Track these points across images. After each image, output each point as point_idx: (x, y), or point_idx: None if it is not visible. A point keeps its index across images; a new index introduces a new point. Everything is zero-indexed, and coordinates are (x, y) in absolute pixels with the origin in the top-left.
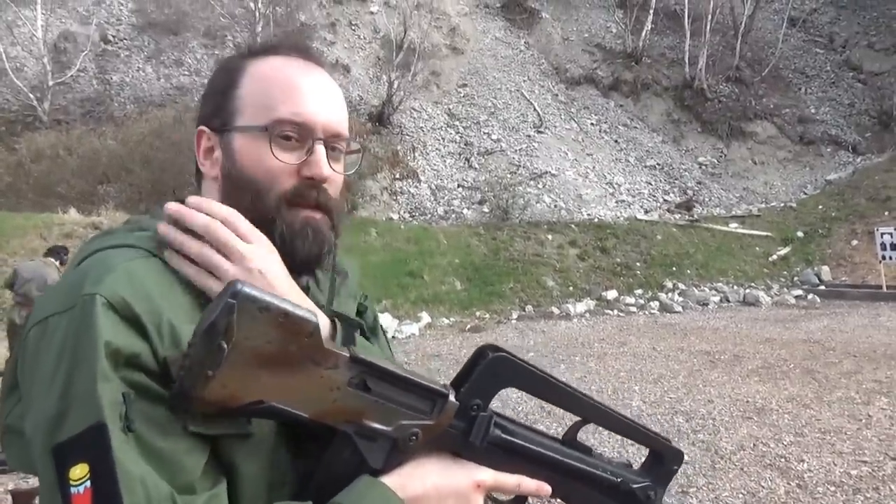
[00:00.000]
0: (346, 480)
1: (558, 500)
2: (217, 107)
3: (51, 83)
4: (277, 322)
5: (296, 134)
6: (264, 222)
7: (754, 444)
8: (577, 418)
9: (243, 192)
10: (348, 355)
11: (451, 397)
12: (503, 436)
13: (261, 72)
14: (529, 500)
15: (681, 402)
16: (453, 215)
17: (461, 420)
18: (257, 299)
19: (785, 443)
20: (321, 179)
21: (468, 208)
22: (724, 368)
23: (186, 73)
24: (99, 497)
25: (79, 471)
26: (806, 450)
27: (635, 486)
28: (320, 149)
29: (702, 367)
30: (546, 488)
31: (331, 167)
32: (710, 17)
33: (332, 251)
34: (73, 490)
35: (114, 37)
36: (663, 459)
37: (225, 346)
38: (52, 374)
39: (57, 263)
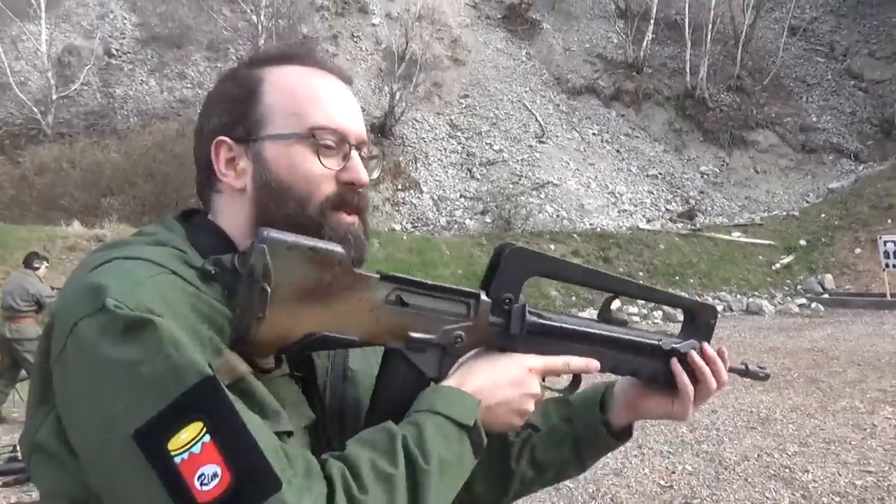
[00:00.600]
0: (407, 395)
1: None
2: (239, 116)
3: (54, 97)
4: (308, 256)
5: (334, 141)
6: (310, 229)
7: (758, 455)
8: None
9: (285, 201)
10: (378, 276)
11: (483, 296)
12: (540, 321)
13: (284, 81)
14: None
15: None
16: (456, 226)
17: (498, 316)
18: (284, 240)
19: (789, 453)
20: (362, 184)
21: (470, 219)
22: (727, 378)
23: (189, 86)
24: (227, 442)
25: (185, 434)
26: (810, 460)
27: (677, 344)
28: (356, 154)
29: None
30: (594, 363)
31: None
32: (710, 26)
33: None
34: (176, 459)
35: (117, 50)
36: (696, 316)
37: (268, 287)
38: (106, 370)
39: (32, 271)
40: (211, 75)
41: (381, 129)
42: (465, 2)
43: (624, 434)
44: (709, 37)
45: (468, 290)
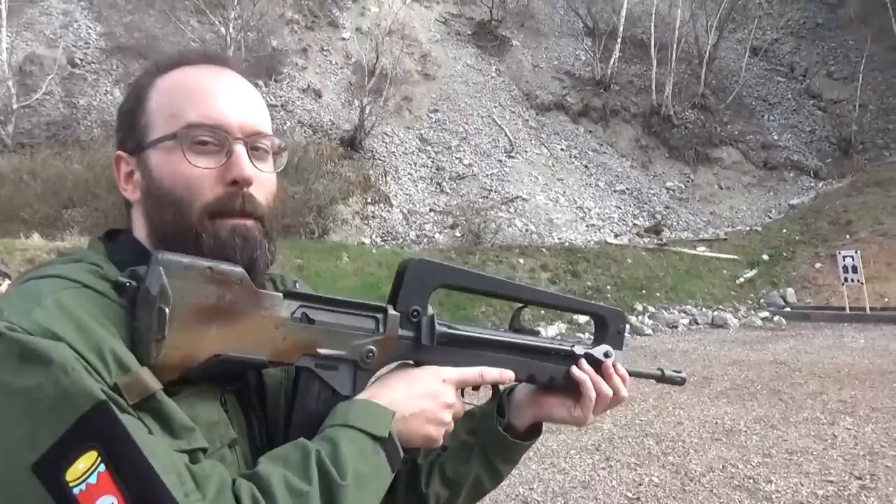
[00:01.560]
0: (323, 413)
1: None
2: (129, 127)
3: (15, 106)
4: (206, 276)
5: (211, 137)
6: (189, 238)
7: (723, 466)
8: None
9: (164, 208)
10: (281, 294)
11: (391, 310)
12: (450, 331)
13: (168, 83)
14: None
15: (651, 424)
16: (425, 239)
17: (407, 329)
18: (180, 261)
19: (753, 464)
20: (245, 181)
21: (440, 233)
22: (693, 390)
23: None
24: (122, 470)
25: (82, 465)
26: (774, 470)
27: (590, 349)
28: (239, 148)
29: (672, 390)
30: (508, 374)
31: (255, 167)
32: (675, 46)
33: (268, 260)
34: (75, 490)
35: (81, 60)
36: (607, 322)
37: (165, 308)
38: (3, 397)
39: None
40: None
41: (351, 143)
42: (435, 17)
43: (531, 433)
44: (674, 56)
45: (375, 304)
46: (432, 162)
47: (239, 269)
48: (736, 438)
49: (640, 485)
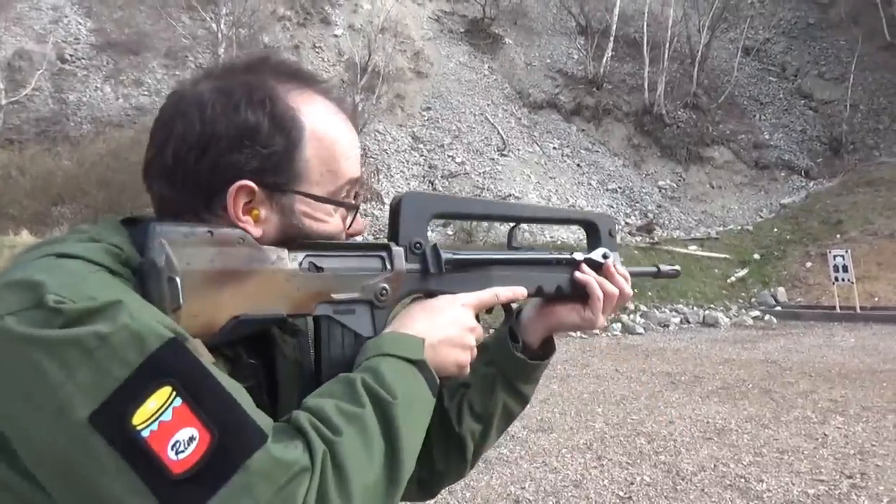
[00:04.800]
0: (349, 359)
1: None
2: (275, 167)
3: (4, 102)
4: (208, 240)
5: (353, 199)
6: None
7: (714, 465)
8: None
9: None
10: (285, 247)
11: (394, 246)
12: (455, 256)
13: (320, 130)
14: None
15: (643, 423)
16: None
17: (413, 261)
18: (179, 229)
19: (744, 463)
20: (360, 234)
21: (432, 231)
22: (684, 389)
23: (146, 93)
24: (201, 402)
25: (153, 403)
26: (765, 470)
27: (589, 255)
28: (360, 205)
29: (663, 389)
30: (520, 290)
31: None
32: (668, 45)
33: None
34: (144, 433)
35: (71, 56)
36: (598, 227)
37: (176, 277)
38: (48, 353)
39: None
40: (168, 83)
41: None
42: (427, 15)
43: (546, 350)
44: (666, 55)
45: (378, 243)
46: (425, 160)
47: (238, 230)
48: (727, 437)
49: (632, 484)
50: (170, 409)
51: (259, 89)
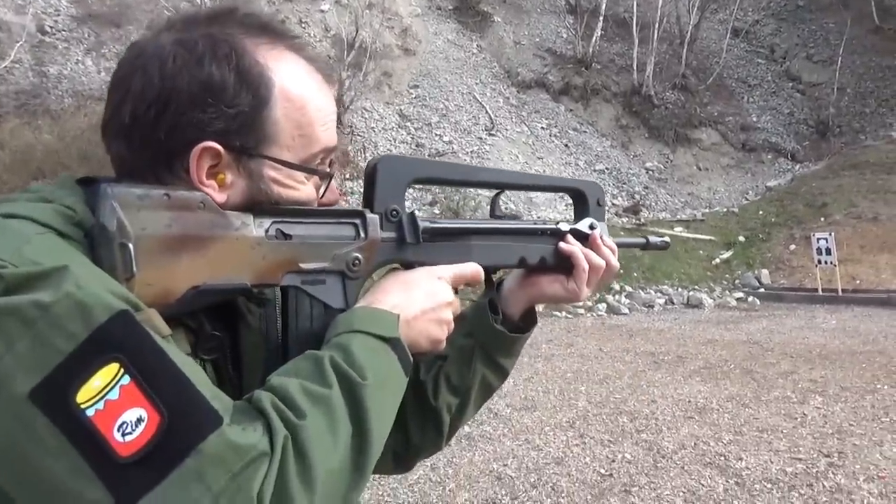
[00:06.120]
0: (318, 333)
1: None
2: (241, 127)
3: None
4: (165, 203)
5: (327, 166)
6: None
7: (695, 443)
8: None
9: None
10: (251, 213)
11: (369, 213)
12: (433, 225)
13: (293, 89)
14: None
15: (625, 402)
16: None
17: (389, 230)
18: (132, 191)
19: (724, 441)
20: (334, 204)
21: (419, 209)
22: (667, 369)
23: None
24: (151, 380)
25: (98, 381)
26: (744, 448)
27: (575, 225)
28: (334, 173)
29: (646, 368)
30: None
31: None
32: (657, 25)
33: None
34: (88, 412)
35: (51, 27)
36: (585, 195)
37: (128, 243)
38: None
39: None
40: None
41: None
42: None
43: (527, 322)
44: (655, 35)
45: (351, 209)
46: (412, 138)
47: (199, 193)
48: (708, 416)
49: (613, 461)
50: (117, 388)
51: (224, 42)
